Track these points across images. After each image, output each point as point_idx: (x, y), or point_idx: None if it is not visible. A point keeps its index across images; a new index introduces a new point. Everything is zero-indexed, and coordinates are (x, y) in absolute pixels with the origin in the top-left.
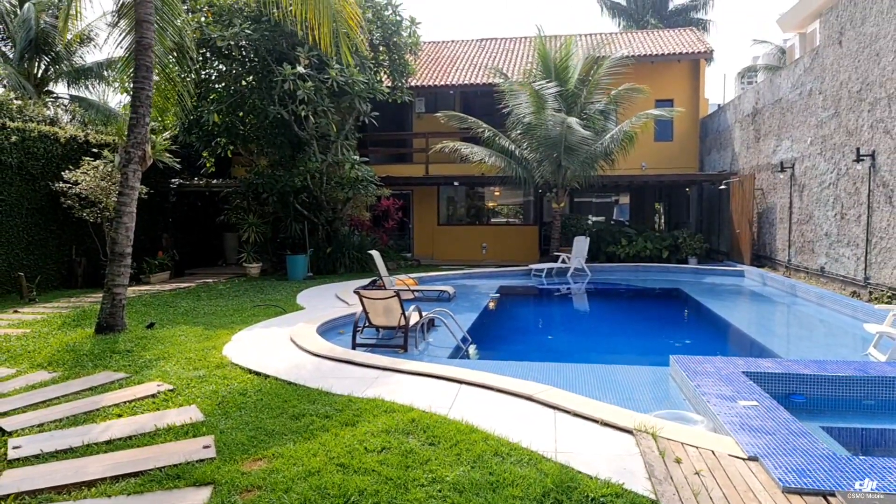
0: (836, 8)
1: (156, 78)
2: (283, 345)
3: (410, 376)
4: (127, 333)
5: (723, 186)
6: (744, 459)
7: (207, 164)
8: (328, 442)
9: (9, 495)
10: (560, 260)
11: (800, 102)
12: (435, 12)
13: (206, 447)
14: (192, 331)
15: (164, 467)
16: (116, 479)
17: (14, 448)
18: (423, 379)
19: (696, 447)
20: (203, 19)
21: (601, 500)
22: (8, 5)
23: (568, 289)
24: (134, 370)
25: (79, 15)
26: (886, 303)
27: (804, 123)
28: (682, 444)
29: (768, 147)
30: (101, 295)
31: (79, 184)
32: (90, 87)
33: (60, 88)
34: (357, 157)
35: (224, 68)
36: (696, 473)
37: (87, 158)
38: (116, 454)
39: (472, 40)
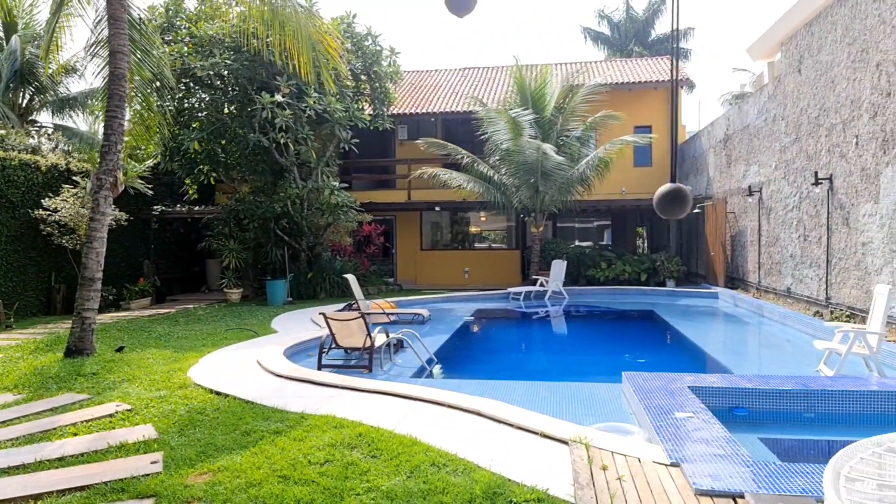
0: (795, 37)
1: (137, 107)
2: (249, 366)
3: (367, 394)
4: (95, 357)
5: (697, 210)
6: (666, 465)
7: (190, 192)
8: (274, 455)
9: None
10: (538, 283)
11: (765, 128)
12: (422, 42)
13: (153, 462)
14: (161, 354)
15: (109, 482)
16: (63, 492)
17: None
18: (379, 396)
19: (625, 455)
20: (185, 50)
21: None
22: None
23: (546, 312)
24: (96, 392)
25: (58, 48)
26: (845, 321)
27: (769, 149)
28: (612, 452)
29: (738, 172)
30: None
31: (58, 211)
32: (74, 116)
33: (45, 117)
34: (337, 184)
35: (206, 97)
36: (618, 479)
37: (67, 186)
38: (66, 470)
39: (455, 69)
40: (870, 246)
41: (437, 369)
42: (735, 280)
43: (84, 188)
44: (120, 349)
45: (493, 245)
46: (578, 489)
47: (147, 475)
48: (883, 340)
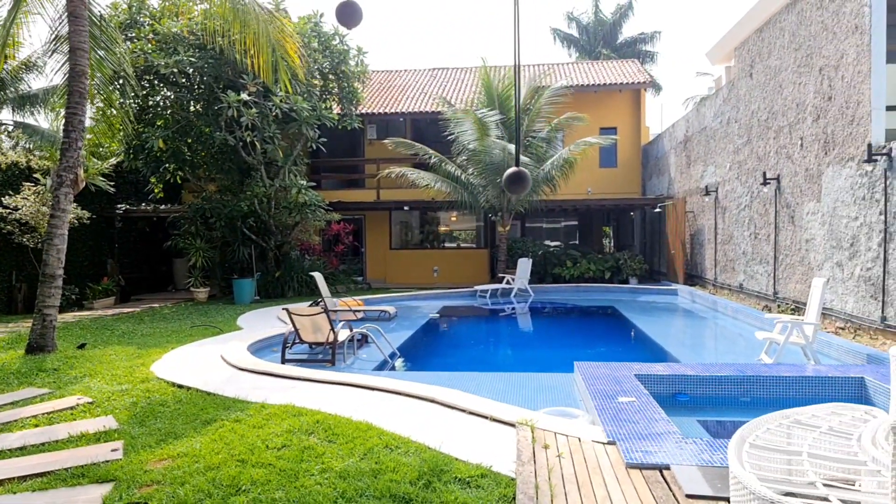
0: (747, 43)
1: (99, 104)
2: (212, 361)
3: (327, 385)
4: (57, 353)
5: (658, 209)
6: (604, 444)
7: (155, 190)
8: (233, 442)
9: None
10: (504, 281)
11: (721, 130)
12: (390, 42)
13: (113, 450)
14: (124, 350)
15: (70, 468)
16: (24, 478)
17: None
18: (339, 387)
19: (567, 435)
20: (148, 47)
21: (468, 480)
22: None
23: (512, 308)
24: (57, 386)
25: (15, 45)
26: (791, 314)
27: (724, 150)
28: (555, 433)
29: (697, 172)
30: None
31: (19, 209)
32: (35, 113)
33: (5, 115)
34: (304, 183)
35: (171, 95)
36: (558, 456)
37: (28, 184)
38: (27, 458)
39: (424, 69)
40: (812, 242)
41: (399, 363)
42: (694, 277)
43: (44, 186)
44: (82, 346)
45: (462, 244)
46: (519, 465)
47: (107, 461)
48: (818, 330)
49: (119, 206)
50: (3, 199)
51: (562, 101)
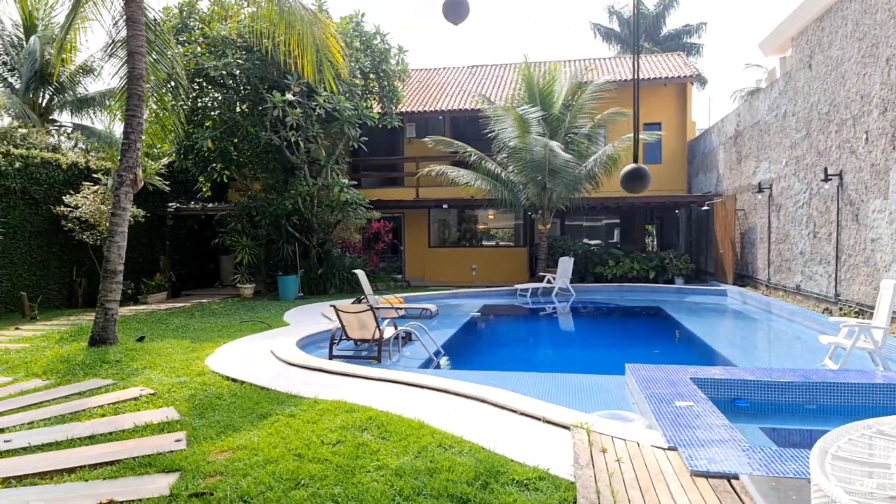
0: (805, 32)
1: (153, 106)
2: (263, 356)
3: (376, 382)
4: (118, 346)
5: (705, 207)
6: (664, 449)
7: (203, 189)
8: (289, 436)
9: None
10: (545, 280)
11: (776, 124)
12: (429, 40)
13: (177, 441)
14: (179, 344)
15: (137, 457)
16: (94, 466)
17: (5, 441)
18: (388, 384)
19: (624, 440)
20: (198, 50)
21: (525, 482)
22: (14, 38)
23: (553, 308)
24: (121, 377)
25: (74, 50)
26: (854, 317)
27: (780, 145)
28: (612, 437)
29: (749, 168)
30: None
31: (79, 207)
32: (92, 115)
33: (64, 117)
34: (346, 181)
35: (219, 96)
36: (617, 460)
37: (87, 183)
38: (97, 447)
39: (463, 67)
40: (879, 242)
41: (444, 361)
42: (744, 277)
43: (105, 185)
44: (140, 339)
45: (501, 243)
46: (578, 469)
47: (172, 451)
48: (888, 335)
49: (170, 204)
50: (64, 197)
51: (606, 97)
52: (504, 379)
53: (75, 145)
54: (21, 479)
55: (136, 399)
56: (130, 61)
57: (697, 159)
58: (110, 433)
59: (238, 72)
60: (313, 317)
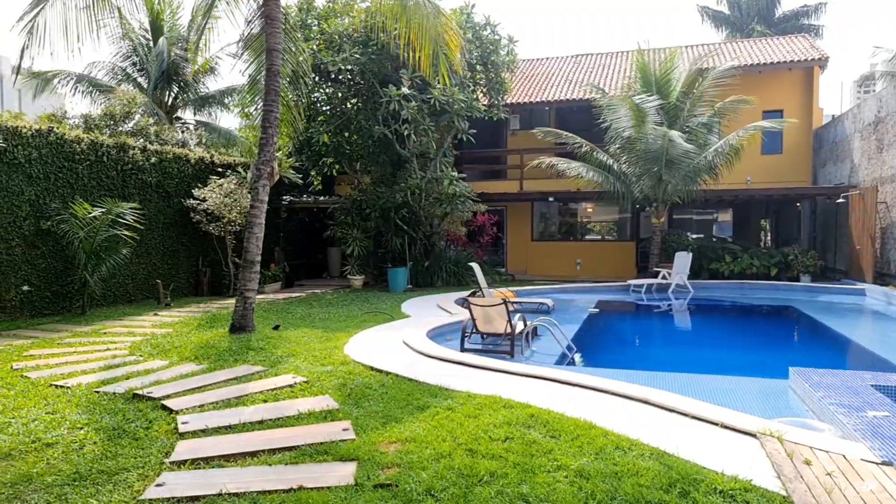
0: None
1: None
2: (396, 347)
3: (523, 378)
4: (256, 334)
5: (841, 200)
6: (877, 464)
7: (315, 183)
8: (454, 430)
9: (186, 461)
10: (660, 276)
11: None
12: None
13: (345, 430)
14: (312, 333)
15: (312, 444)
16: (273, 451)
17: (183, 423)
18: (536, 381)
19: (826, 451)
20: (315, 46)
21: (730, 493)
22: (142, 38)
23: (669, 305)
24: (269, 364)
25: (207, 48)
26: None
27: None
28: (809, 447)
29: (892, 158)
30: (225, 302)
31: (206, 200)
32: (212, 113)
33: (187, 115)
34: (455, 174)
35: (333, 91)
36: (828, 474)
37: (214, 177)
38: (268, 432)
39: (567, 56)
40: None
41: (577, 357)
42: (885, 276)
43: (235, 178)
44: (276, 327)
45: (606, 237)
46: (787, 482)
47: (343, 441)
48: None
49: (284, 197)
50: (193, 190)
51: (727, 83)
52: (649, 379)
53: (200, 141)
54: (207, 461)
55: (290, 386)
56: (269, 58)
57: (825, 148)
58: (277, 419)
59: (352, 67)
60: (430, 309)
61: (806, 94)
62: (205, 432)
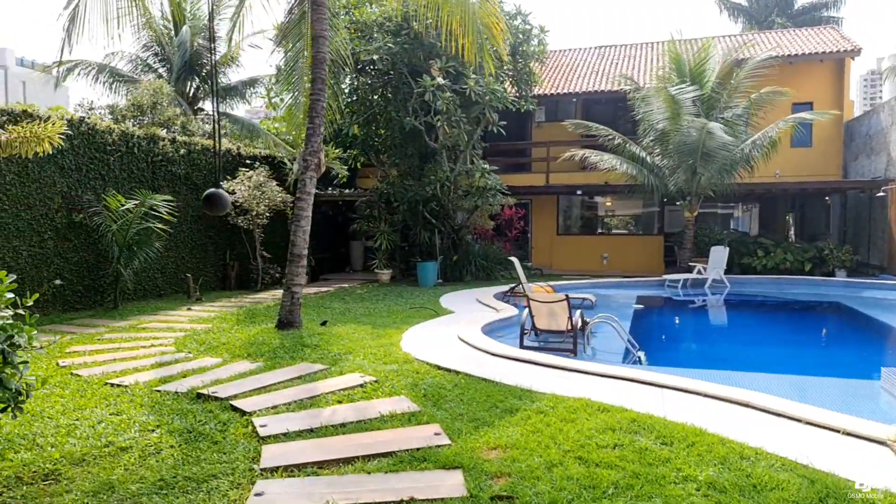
0: None
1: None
2: (454, 344)
3: (603, 378)
4: (305, 330)
5: (881, 193)
6: None
7: (340, 175)
8: (555, 436)
9: (277, 467)
10: (696, 271)
11: None
12: (547, 22)
13: (436, 434)
14: (360, 329)
15: (407, 450)
16: (367, 458)
17: (261, 426)
18: (618, 381)
19: None
20: (346, 35)
21: None
22: (163, 28)
23: (714, 300)
24: (329, 362)
25: (242, 34)
26: None
27: None
28: None
29: None
30: (255, 296)
31: (234, 193)
32: (232, 104)
33: (208, 106)
34: (487, 166)
35: (364, 81)
36: None
37: (243, 169)
38: (354, 436)
39: (592, 48)
40: None
41: (642, 356)
42: None
43: (290, 169)
44: (324, 323)
45: (632, 230)
46: None
47: (439, 446)
48: None
49: None
50: (222, 182)
51: (765, 74)
52: (727, 380)
53: (225, 133)
54: (300, 468)
55: (361, 386)
56: (315, 45)
57: (858, 141)
58: (359, 421)
59: (384, 56)
60: (470, 304)
61: (836, 86)
62: (287, 436)
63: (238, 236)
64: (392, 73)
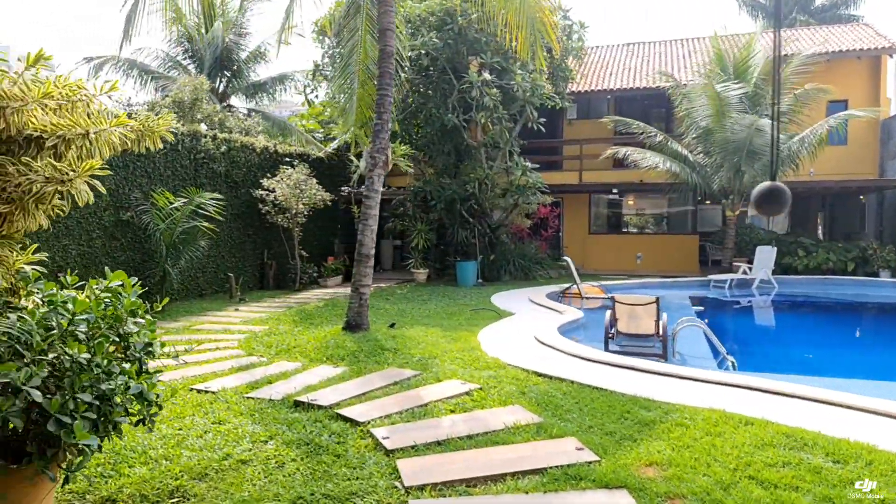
0: None
1: (355, 86)
2: (533, 347)
3: (720, 386)
4: (375, 332)
5: None
6: None
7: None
8: (710, 452)
9: (424, 486)
10: (741, 271)
11: None
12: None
13: (578, 449)
14: (430, 332)
15: (557, 466)
16: (516, 475)
17: (384, 438)
18: (738, 390)
19: None
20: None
21: None
22: (193, 24)
23: (757, 300)
24: (419, 368)
25: (290, 31)
26: None
27: None
28: None
29: None
30: (297, 296)
31: (275, 191)
32: (258, 101)
33: (237, 102)
34: (528, 164)
35: (405, 77)
36: None
37: (283, 167)
38: (490, 450)
39: (621, 45)
40: None
41: (733, 361)
42: None
43: (357, 167)
44: (392, 325)
45: (665, 230)
46: None
47: (589, 462)
48: None
49: (342, 188)
50: (262, 180)
51: (813, 70)
52: (831, 387)
53: (260, 130)
54: (448, 486)
55: (467, 394)
56: (382, 39)
57: (895, 140)
58: (485, 433)
59: (429, 51)
60: (522, 304)
61: (872, 84)
62: (415, 449)
63: (276, 235)
64: (433, 69)
